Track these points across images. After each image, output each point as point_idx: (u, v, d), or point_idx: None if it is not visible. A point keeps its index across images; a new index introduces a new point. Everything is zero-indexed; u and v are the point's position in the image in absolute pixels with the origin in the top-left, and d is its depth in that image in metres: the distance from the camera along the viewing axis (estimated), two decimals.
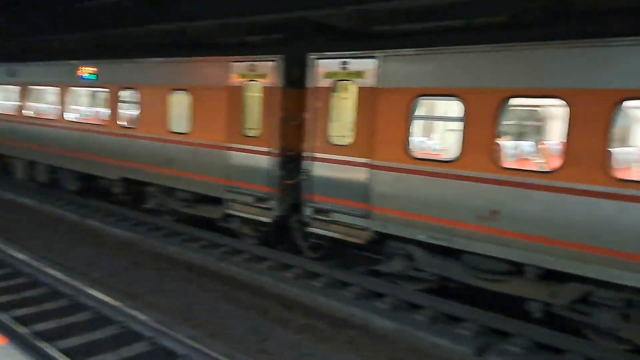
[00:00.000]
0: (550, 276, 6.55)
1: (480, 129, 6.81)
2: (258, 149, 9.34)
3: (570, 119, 6.13)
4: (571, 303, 6.51)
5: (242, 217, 9.96)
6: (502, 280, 7.05)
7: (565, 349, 6.39)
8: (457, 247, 7.14)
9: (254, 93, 9.48)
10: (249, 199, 9.58)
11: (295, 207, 9.17)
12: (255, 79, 9.37)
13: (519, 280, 6.86)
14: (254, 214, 9.59)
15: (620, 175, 6.04)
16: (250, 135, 9.51)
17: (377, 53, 7.80)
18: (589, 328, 6.58)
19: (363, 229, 8.13)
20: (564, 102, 6.19)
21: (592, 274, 6.04)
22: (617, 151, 6.50)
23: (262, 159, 9.30)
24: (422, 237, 7.46)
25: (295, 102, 8.96)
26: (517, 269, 6.84)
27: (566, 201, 6.15)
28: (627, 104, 6.01)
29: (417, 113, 7.73)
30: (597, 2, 6.68)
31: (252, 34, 10.91)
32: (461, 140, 7.04)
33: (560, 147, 6.59)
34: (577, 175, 6.05)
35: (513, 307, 7.18)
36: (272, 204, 9.29)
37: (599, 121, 5.88)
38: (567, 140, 6.18)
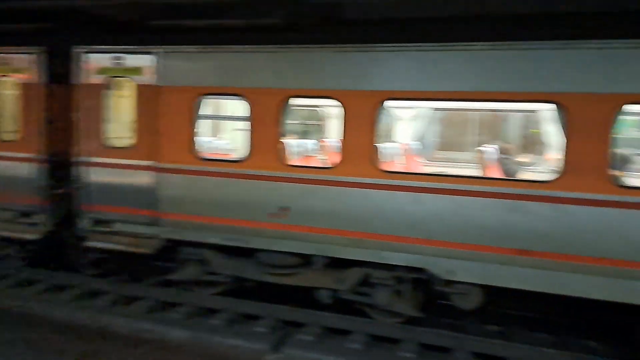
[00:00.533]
0: (336, 264, 7.02)
1: (266, 128, 6.94)
2: (17, 155, 8.03)
3: (344, 118, 6.65)
4: (354, 287, 7.08)
5: (1, 237, 8.45)
6: (292, 274, 7.31)
7: (351, 330, 6.90)
8: (250, 246, 7.17)
9: (8, 90, 8.12)
10: (9, 215, 8.22)
11: (70, 219, 8.12)
12: (10, 74, 8.04)
13: (308, 271, 7.20)
14: (16, 232, 8.23)
15: (385, 167, 6.82)
16: (6, 139, 8.13)
17: (155, 49, 7.35)
18: (369, 307, 7.24)
19: (151, 237, 7.59)
20: (338, 103, 6.69)
21: (369, 257, 6.67)
22: (382, 146, 7.32)
23: (22, 167, 8.00)
24: (215, 240, 7.31)
25: (63, 100, 7.91)
26: (306, 261, 7.16)
27: (345, 194, 6.65)
28: (387, 104, 6.79)
29: (202, 112, 7.53)
30: (366, 12, 7.36)
31: (7, 21, 9.26)
32: (248, 140, 7.08)
33: (338, 144, 7.12)
34: (352, 169, 6.60)
35: (306, 297, 7.51)
36: (39, 218, 8.09)
37: (366, 119, 6.50)
38: (344, 137, 6.70)
